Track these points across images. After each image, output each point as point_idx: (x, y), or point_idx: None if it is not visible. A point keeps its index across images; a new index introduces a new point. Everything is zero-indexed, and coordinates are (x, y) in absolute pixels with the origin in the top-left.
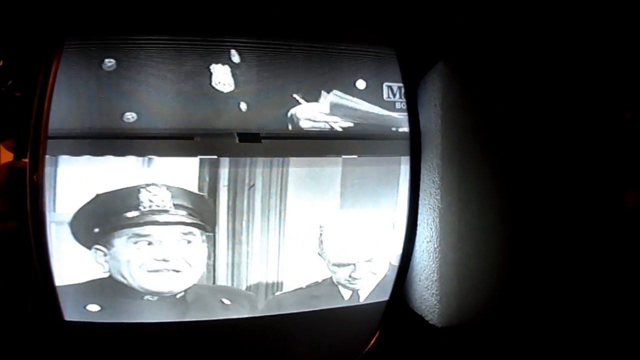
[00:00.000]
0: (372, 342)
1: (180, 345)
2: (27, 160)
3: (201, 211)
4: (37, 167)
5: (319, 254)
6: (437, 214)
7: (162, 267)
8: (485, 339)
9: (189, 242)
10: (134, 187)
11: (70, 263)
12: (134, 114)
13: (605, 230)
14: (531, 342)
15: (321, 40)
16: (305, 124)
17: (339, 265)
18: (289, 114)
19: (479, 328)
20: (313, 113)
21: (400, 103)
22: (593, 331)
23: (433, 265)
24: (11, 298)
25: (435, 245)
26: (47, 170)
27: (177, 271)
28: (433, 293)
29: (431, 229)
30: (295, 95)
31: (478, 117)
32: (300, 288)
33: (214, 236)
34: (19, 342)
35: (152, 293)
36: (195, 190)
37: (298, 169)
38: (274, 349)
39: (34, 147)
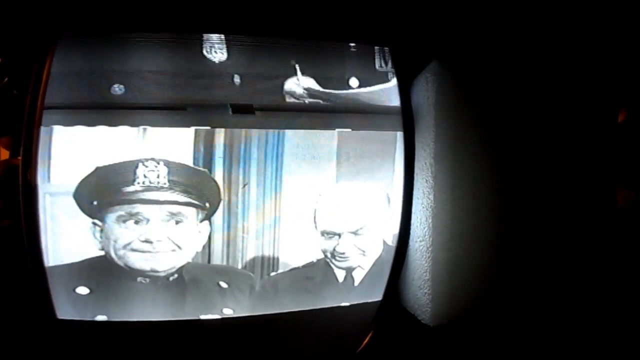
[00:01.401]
0: (366, 341)
1: (173, 343)
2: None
3: (201, 188)
4: (30, 165)
5: (313, 221)
6: (430, 213)
7: (146, 248)
8: (476, 339)
9: (177, 222)
10: (132, 161)
11: (65, 239)
12: (121, 86)
13: (597, 229)
14: (522, 341)
15: (316, 39)
16: (298, 97)
17: (324, 234)
18: (282, 86)
19: (471, 327)
20: (306, 85)
21: (392, 74)
22: (584, 330)
23: (425, 265)
24: (5, 295)
25: (428, 245)
26: (42, 140)
27: (162, 252)
28: (425, 292)
29: (424, 228)
30: (292, 63)
31: (471, 116)
32: (297, 268)
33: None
34: (13, 339)
35: (140, 273)
36: (190, 163)
37: (294, 141)
38: (267, 348)
39: (27, 144)
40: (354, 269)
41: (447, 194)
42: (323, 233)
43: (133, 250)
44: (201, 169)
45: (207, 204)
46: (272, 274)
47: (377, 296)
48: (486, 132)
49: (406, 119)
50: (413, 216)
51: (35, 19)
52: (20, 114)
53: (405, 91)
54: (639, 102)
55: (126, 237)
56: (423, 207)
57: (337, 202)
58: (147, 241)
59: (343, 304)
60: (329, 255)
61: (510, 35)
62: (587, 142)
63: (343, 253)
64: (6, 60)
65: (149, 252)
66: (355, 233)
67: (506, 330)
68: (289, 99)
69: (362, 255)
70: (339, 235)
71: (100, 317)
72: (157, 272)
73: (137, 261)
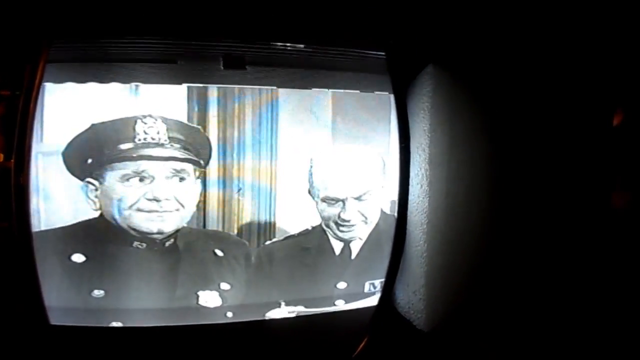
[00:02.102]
0: (361, 346)
1: (169, 347)
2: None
3: (196, 145)
4: (23, 169)
5: (308, 190)
6: (424, 218)
7: (153, 208)
8: (471, 344)
9: (181, 179)
10: (130, 117)
11: (58, 201)
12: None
13: (593, 233)
14: (516, 346)
15: (311, 44)
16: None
17: (327, 201)
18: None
19: (465, 333)
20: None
21: None
22: (581, 335)
23: (420, 270)
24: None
25: (423, 250)
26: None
27: (168, 211)
28: (420, 298)
29: (419, 232)
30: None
31: (467, 121)
32: (292, 236)
33: (205, 171)
34: (6, 345)
35: (141, 234)
36: (185, 120)
37: (289, 100)
38: (263, 353)
39: (19, 148)
40: (352, 240)
41: (442, 199)
42: (325, 199)
43: (139, 210)
44: (196, 125)
45: (202, 161)
46: (267, 242)
47: (373, 277)
48: (481, 137)
49: (401, 124)
50: (408, 222)
51: (28, 20)
52: (13, 116)
53: (400, 96)
54: (634, 103)
55: (131, 196)
56: (418, 212)
57: (337, 166)
58: (154, 199)
59: (341, 285)
60: (332, 225)
61: (506, 41)
62: (583, 146)
63: (349, 221)
64: None
65: (155, 211)
66: (359, 199)
67: (501, 336)
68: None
69: (365, 223)
70: (343, 201)
71: (97, 293)
72: (163, 233)
73: (143, 222)
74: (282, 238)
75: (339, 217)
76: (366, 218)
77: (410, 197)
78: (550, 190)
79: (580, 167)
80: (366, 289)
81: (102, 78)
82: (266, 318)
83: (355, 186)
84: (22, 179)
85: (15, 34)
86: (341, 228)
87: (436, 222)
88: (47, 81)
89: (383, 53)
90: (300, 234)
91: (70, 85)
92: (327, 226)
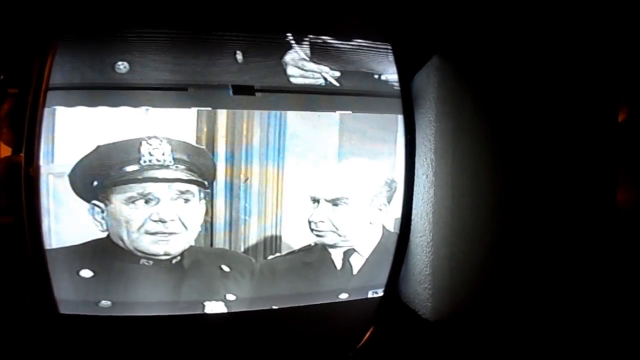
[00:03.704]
0: (366, 336)
1: (173, 338)
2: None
3: (201, 166)
4: (32, 161)
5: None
6: (430, 208)
7: (159, 229)
8: (477, 334)
9: (186, 201)
10: (135, 139)
11: (67, 221)
12: (125, 64)
13: (596, 225)
14: (522, 336)
15: (316, 35)
16: (299, 75)
17: (310, 199)
18: (284, 66)
19: (471, 322)
20: (306, 61)
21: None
22: (584, 325)
23: (426, 259)
24: (8, 292)
25: (429, 240)
26: (45, 121)
27: (174, 233)
28: (425, 287)
29: (424, 223)
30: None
31: (472, 112)
32: (293, 251)
33: (212, 191)
34: (16, 336)
35: (148, 256)
36: (193, 142)
37: (296, 123)
38: (268, 343)
39: (29, 140)
40: (350, 253)
41: (448, 189)
42: (310, 198)
43: (146, 233)
44: (201, 146)
45: (206, 182)
46: (270, 257)
47: (377, 287)
48: (487, 128)
49: (407, 115)
50: (414, 211)
51: (36, 16)
52: (22, 111)
53: (406, 87)
54: None
55: (138, 219)
56: (424, 202)
57: (330, 171)
58: (160, 221)
59: (342, 296)
60: (311, 227)
61: (511, 31)
62: (588, 138)
63: (316, 223)
64: (2, 57)
65: (162, 233)
66: (333, 203)
67: (506, 326)
68: (291, 78)
69: (336, 234)
70: (318, 201)
71: (104, 303)
72: (170, 254)
73: (150, 245)
74: (284, 253)
75: (311, 217)
76: (337, 228)
77: (416, 188)
78: (556, 179)
79: (585, 159)
80: (369, 295)
81: (113, 102)
82: (271, 308)
83: (334, 188)
84: (32, 170)
85: (25, 27)
86: (312, 230)
87: (442, 211)
88: (59, 105)
89: (389, 44)
90: (301, 249)
91: (80, 109)
92: (310, 228)
